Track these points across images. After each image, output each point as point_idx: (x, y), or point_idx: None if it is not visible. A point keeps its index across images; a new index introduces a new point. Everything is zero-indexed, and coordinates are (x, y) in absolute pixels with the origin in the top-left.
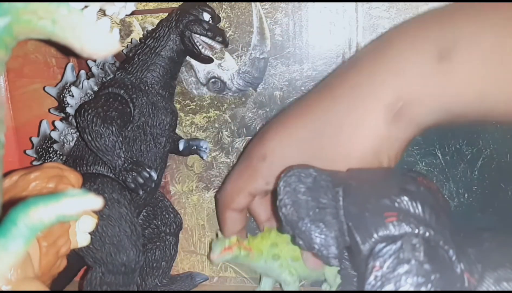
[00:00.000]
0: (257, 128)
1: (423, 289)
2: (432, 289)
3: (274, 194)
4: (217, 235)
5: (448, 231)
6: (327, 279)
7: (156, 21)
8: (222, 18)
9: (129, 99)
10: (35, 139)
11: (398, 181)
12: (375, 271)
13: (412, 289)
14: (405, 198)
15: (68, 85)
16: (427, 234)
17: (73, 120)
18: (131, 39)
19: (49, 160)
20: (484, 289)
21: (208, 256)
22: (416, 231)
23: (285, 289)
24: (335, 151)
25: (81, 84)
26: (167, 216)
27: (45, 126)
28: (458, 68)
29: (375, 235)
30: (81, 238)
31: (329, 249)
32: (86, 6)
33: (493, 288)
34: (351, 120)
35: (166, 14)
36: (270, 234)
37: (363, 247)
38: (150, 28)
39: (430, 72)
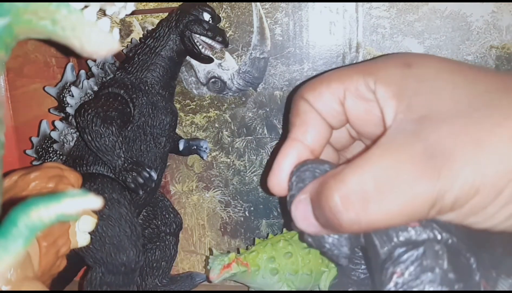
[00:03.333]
0: (257, 128)
1: None
2: None
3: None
4: (211, 251)
5: (466, 236)
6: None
7: (156, 21)
8: (222, 18)
9: (129, 99)
10: (35, 139)
11: None
12: (395, 277)
13: None
14: None
15: (68, 85)
16: (450, 241)
17: (73, 120)
18: (131, 39)
19: (49, 160)
20: None
21: (206, 275)
22: (439, 237)
23: None
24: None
25: (81, 84)
26: (167, 216)
27: (45, 126)
28: None
29: (395, 239)
30: (81, 238)
31: (341, 249)
32: (86, 6)
33: None
34: None
35: (166, 14)
36: (266, 248)
37: (382, 250)
38: (150, 28)
39: None
